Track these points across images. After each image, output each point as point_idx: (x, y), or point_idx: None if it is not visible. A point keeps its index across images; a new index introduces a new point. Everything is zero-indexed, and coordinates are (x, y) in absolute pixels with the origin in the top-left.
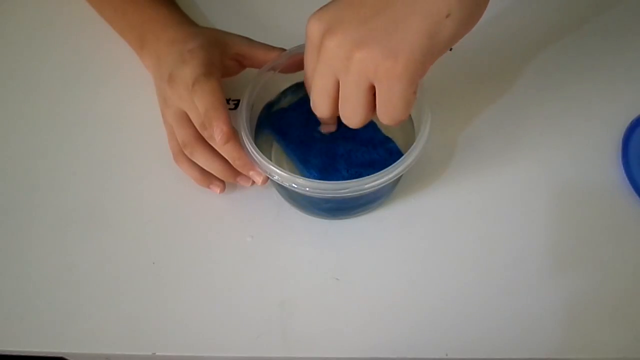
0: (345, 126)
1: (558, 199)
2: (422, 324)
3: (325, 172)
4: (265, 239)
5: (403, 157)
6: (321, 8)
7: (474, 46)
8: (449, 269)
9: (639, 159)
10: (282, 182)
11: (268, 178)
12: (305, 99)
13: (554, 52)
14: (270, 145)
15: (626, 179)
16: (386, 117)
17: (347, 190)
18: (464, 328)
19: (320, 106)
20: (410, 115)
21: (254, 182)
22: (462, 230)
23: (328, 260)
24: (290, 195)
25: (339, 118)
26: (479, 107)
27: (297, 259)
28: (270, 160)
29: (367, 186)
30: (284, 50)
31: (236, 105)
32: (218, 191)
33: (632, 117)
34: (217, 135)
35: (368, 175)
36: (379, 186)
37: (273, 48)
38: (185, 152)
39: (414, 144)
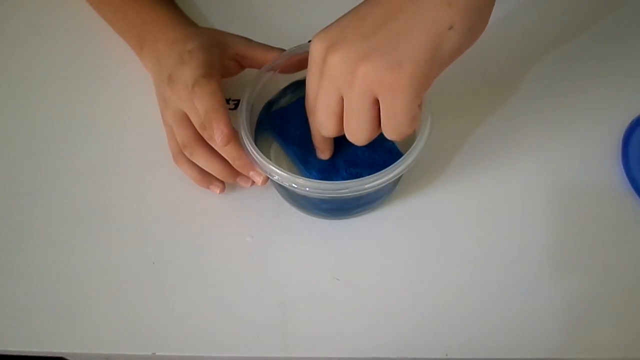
0: None
1: (558, 199)
2: (422, 324)
3: (325, 172)
4: (265, 239)
5: (403, 157)
6: (324, 28)
7: (474, 47)
8: (449, 269)
9: (639, 159)
10: (282, 182)
11: (268, 178)
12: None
13: (554, 53)
14: (270, 145)
15: (626, 179)
16: (391, 131)
17: (347, 190)
18: (463, 328)
19: (326, 126)
20: None
21: (254, 183)
22: (462, 230)
23: (328, 260)
24: (290, 195)
25: (337, 138)
26: (478, 108)
27: (297, 259)
28: (270, 160)
29: (367, 186)
30: (283, 50)
31: (236, 105)
32: (218, 191)
33: (632, 117)
34: (218, 137)
35: (368, 175)
36: (379, 186)
37: (272, 48)
38: (185, 153)
39: (414, 144)
